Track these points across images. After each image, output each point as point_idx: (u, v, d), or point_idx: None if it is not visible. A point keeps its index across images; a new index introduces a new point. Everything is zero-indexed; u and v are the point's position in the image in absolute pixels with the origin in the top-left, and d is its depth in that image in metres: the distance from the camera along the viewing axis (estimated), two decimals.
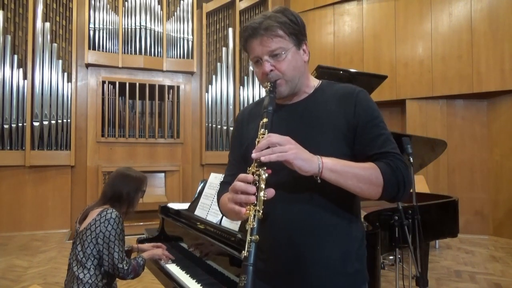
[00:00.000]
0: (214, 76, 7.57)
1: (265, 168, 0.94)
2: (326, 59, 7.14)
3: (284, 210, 1.10)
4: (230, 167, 1.29)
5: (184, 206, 2.64)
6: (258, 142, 0.97)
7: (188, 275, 1.96)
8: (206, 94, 7.49)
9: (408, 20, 6.57)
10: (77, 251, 1.96)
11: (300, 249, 1.09)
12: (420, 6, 6.45)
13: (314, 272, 1.08)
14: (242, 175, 0.96)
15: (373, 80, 3.00)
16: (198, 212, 2.29)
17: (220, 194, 1.28)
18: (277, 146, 0.94)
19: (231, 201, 0.97)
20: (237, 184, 0.96)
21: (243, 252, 0.88)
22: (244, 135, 1.25)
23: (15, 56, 6.19)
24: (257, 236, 0.89)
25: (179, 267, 2.10)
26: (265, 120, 1.03)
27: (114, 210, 1.98)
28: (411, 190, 2.32)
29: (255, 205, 0.91)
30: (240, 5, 7.71)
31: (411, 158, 2.32)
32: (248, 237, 0.89)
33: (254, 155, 0.94)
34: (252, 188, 0.92)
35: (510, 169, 5.84)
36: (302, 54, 1.16)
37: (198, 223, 2.15)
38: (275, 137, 0.95)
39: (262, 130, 1.01)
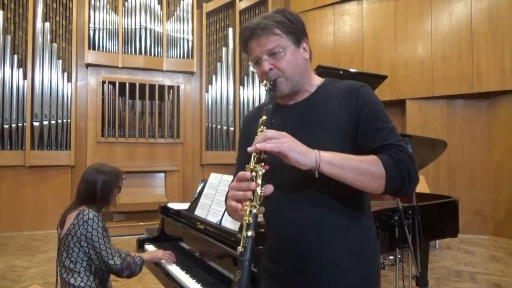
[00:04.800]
0: (214, 76, 7.57)
1: (262, 164, 0.94)
2: (326, 59, 7.14)
3: (289, 211, 1.10)
4: (238, 169, 1.29)
5: (184, 206, 2.64)
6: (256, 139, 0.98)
7: (188, 275, 1.96)
8: (206, 94, 7.49)
9: (408, 20, 6.57)
10: (63, 257, 1.93)
11: (307, 249, 1.08)
12: (420, 6, 6.45)
13: (321, 272, 1.07)
14: (240, 173, 0.96)
15: (373, 80, 2.99)
16: (198, 212, 2.28)
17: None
18: (272, 140, 0.94)
19: (230, 198, 0.97)
20: (235, 182, 0.97)
21: (239, 247, 0.88)
22: (249, 136, 1.25)
23: (15, 56, 6.19)
24: (253, 232, 0.88)
25: (179, 267, 2.10)
26: (264, 117, 1.03)
27: (90, 210, 1.92)
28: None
29: (252, 201, 0.91)
30: (240, 5, 7.71)
31: None
32: (244, 233, 0.88)
33: (249, 148, 0.95)
34: (249, 185, 0.92)
35: (510, 169, 5.83)
36: (303, 52, 1.15)
37: (198, 223, 2.15)
38: (270, 132, 0.96)
39: (261, 127, 1.01)
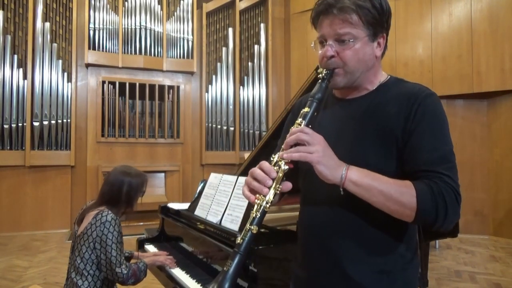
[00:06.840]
0: (214, 76, 7.56)
1: (287, 160, 0.90)
2: None
3: (315, 215, 1.05)
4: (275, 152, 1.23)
5: (184, 206, 2.64)
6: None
7: (188, 275, 1.96)
8: (206, 94, 7.49)
9: (408, 20, 6.57)
10: (75, 256, 1.92)
11: (332, 259, 1.01)
12: (420, 6, 6.45)
13: (347, 285, 0.99)
14: (262, 163, 0.92)
15: None
16: (198, 212, 2.28)
17: None
18: (305, 145, 0.89)
19: (246, 184, 0.93)
20: (257, 171, 0.91)
21: (238, 238, 0.86)
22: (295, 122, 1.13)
23: (15, 56, 6.19)
24: (257, 227, 0.86)
25: (179, 267, 2.10)
26: (306, 109, 0.95)
27: (109, 212, 1.90)
28: None
29: (265, 196, 0.88)
30: (240, 5, 7.70)
31: None
32: (247, 226, 0.86)
33: (280, 152, 0.91)
34: (269, 181, 0.89)
35: (510, 169, 5.83)
36: (375, 47, 1.02)
37: (198, 223, 2.15)
38: (305, 135, 0.89)
39: (300, 119, 0.94)
